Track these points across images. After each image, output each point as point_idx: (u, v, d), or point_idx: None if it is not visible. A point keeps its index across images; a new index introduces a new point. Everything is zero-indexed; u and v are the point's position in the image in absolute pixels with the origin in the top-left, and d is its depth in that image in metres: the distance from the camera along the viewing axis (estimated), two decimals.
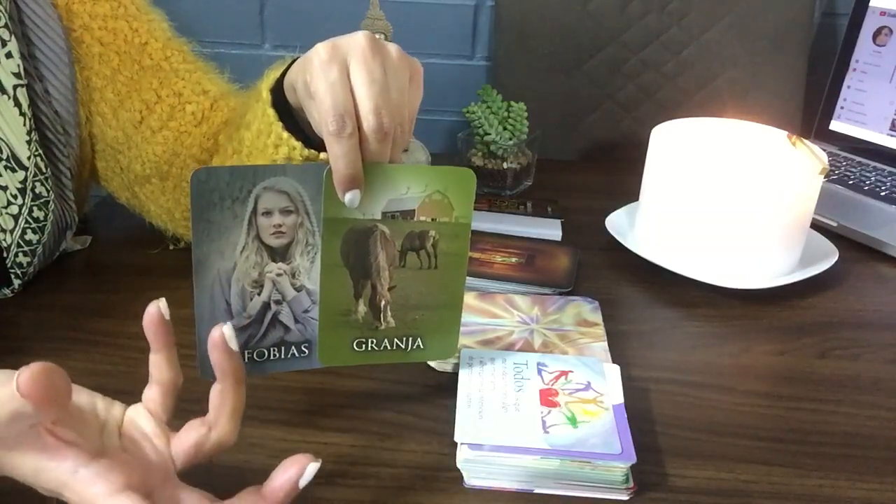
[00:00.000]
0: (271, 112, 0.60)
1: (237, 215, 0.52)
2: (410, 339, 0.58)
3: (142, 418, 0.46)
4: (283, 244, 0.54)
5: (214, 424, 0.46)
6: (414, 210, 0.55)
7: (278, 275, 0.55)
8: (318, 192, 0.52)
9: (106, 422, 0.45)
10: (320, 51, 0.51)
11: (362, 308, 0.57)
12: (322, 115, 0.50)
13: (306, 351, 0.58)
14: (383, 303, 0.57)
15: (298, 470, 0.44)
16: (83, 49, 0.73)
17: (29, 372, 0.37)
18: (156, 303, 0.46)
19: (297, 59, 0.56)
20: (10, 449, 0.40)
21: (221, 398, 0.46)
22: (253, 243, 0.53)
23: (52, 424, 0.41)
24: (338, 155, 0.50)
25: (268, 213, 0.53)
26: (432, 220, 0.55)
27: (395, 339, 0.58)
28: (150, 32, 0.75)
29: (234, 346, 0.45)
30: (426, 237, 0.56)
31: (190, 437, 0.46)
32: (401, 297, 0.57)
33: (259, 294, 0.55)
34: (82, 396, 0.45)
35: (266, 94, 0.61)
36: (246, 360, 0.55)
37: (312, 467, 0.44)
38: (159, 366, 0.47)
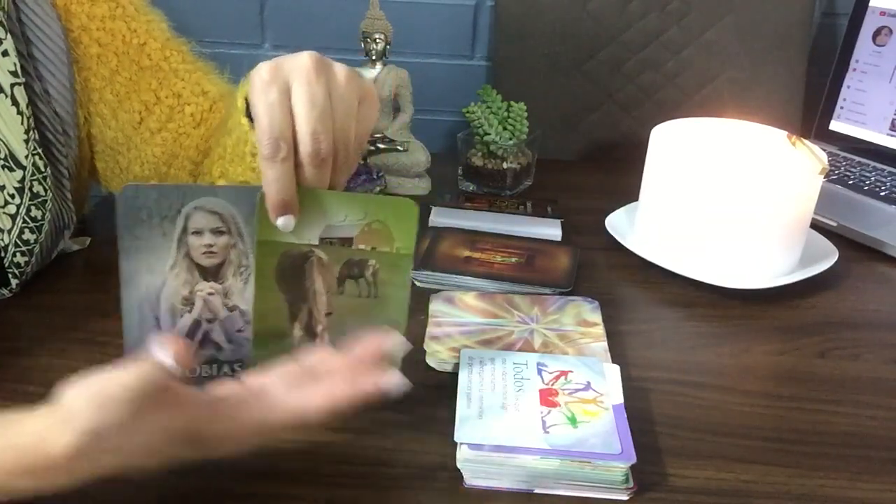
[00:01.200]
0: (245, 121, 0.60)
1: (166, 233, 0.52)
2: None
3: None
4: (215, 264, 0.54)
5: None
6: (352, 238, 0.54)
7: (210, 294, 0.55)
8: (252, 214, 0.52)
9: None
10: (262, 71, 0.50)
11: (297, 332, 0.56)
12: (258, 137, 0.49)
13: (239, 369, 0.57)
14: (320, 328, 0.56)
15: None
16: (81, 50, 0.73)
17: (175, 344, 0.45)
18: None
19: None
20: (152, 411, 0.43)
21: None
22: (183, 261, 0.53)
23: None
24: (270, 179, 0.49)
25: (198, 233, 0.53)
26: (372, 248, 0.54)
27: None
28: (148, 33, 0.75)
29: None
30: (365, 265, 0.54)
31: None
32: (338, 324, 0.56)
33: (189, 311, 0.55)
34: None
35: (241, 103, 0.60)
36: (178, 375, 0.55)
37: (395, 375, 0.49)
38: None
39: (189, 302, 0.54)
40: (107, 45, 0.73)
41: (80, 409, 0.41)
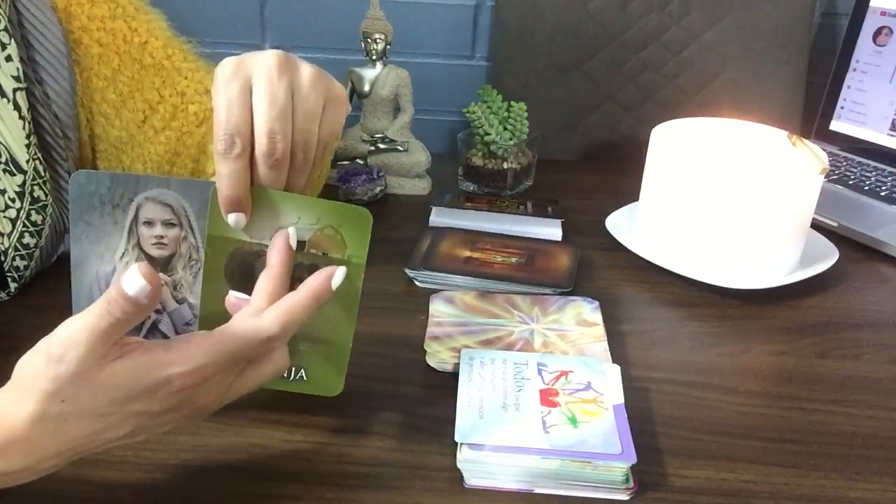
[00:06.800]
0: None
1: (117, 221, 0.52)
2: (293, 368, 0.56)
3: None
4: (165, 255, 0.54)
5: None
6: (304, 242, 0.52)
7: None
8: (204, 208, 0.51)
9: None
10: (225, 66, 0.48)
11: None
12: (215, 131, 0.48)
13: None
14: None
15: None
16: (82, 50, 0.73)
17: (143, 265, 0.41)
18: (284, 232, 0.50)
19: None
20: (111, 360, 0.42)
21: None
22: (133, 251, 0.53)
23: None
24: (222, 175, 0.48)
25: (149, 224, 0.53)
26: (323, 254, 0.52)
27: None
28: (149, 32, 0.76)
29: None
30: (315, 270, 0.52)
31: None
32: None
33: None
34: None
35: None
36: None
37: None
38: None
39: None
40: (108, 45, 0.73)
41: (33, 373, 0.41)
